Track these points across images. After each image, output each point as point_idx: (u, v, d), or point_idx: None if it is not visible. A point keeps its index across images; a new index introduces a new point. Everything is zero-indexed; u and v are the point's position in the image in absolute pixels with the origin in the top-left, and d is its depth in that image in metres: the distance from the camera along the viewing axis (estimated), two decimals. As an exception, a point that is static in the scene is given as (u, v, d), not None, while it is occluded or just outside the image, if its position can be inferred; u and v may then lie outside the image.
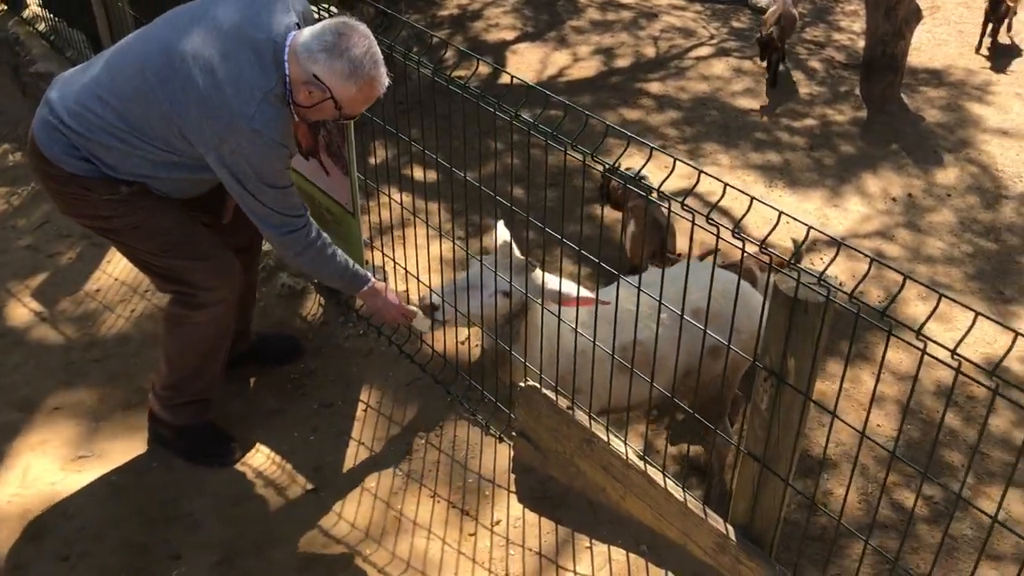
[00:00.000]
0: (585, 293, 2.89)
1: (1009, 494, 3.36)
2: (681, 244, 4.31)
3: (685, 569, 2.71)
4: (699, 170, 2.24)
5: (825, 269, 2.06)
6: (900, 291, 1.98)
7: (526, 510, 3.00)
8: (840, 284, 2.10)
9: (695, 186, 2.26)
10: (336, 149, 3.30)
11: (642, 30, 7.49)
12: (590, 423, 2.86)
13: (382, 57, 2.63)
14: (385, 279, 3.94)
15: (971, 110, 6.39)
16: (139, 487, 3.12)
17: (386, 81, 2.64)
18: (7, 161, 5.34)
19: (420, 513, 3.01)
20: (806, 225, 2.13)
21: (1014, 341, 1.82)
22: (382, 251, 3.66)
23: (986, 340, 4.07)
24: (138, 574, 2.84)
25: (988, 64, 7.03)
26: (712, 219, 2.10)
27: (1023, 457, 1.93)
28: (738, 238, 2.09)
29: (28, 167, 3.38)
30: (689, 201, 2.16)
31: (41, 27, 5.87)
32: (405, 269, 3.54)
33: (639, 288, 2.55)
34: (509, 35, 7.25)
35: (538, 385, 2.96)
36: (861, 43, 6.87)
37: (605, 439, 2.83)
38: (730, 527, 2.61)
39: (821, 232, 2.22)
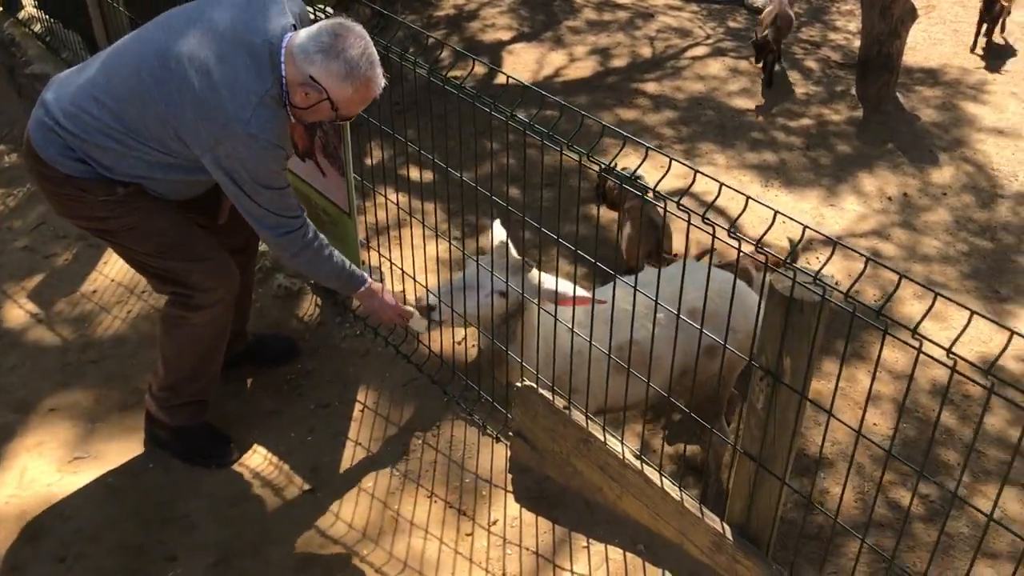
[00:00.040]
0: (581, 293, 2.89)
1: (1005, 492, 3.37)
2: (677, 244, 4.31)
3: (682, 568, 2.71)
4: (695, 170, 2.25)
5: (821, 268, 2.06)
6: (896, 290, 1.98)
7: (523, 510, 3.00)
8: (836, 283, 2.11)
9: (691, 186, 2.26)
10: (332, 150, 3.29)
11: (638, 30, 7.50)
12: (587, 423, 2.87)
13: (378, 58, 2.63)
14: (382, 279, 3.95)
15: (966, 109, 6.40)
16: (136, 488, 3.12)
17: (382, 82, 2.64)
18: (3, 163, 5.33)
19: (417, 513, 3.01)
20: (802, 224, 2.13)
21: (1009, 340, 1.82)
22: (379, 251, 3.67)
23: (982, 339, 4.08)
24: (134, 575, 2.83)
25: (983, 63, 7.04)
26: (708, 219, 2.10)
27: (1019, 455, 1.93)
28: (734, 238, 2.10)
29: (24, 168, 3.38)
30: (685, 201, 2.16)
31: (37, 28, 5.86)
32: (402, 269, 3.54)
33: (635, 288, 2.55)
34: (505, 35, 7.26)
35: (535, 385, 2.96)
36: (857, 42, 6.88)
37: (602, 439, 2.83)
38: (727, 526, 2.61)
39: (817, 231, 2.22)
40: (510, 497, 3.06)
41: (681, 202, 2.16)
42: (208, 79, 2.54)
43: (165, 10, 2.80)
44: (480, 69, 6.37)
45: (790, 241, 4.25)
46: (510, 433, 3.18)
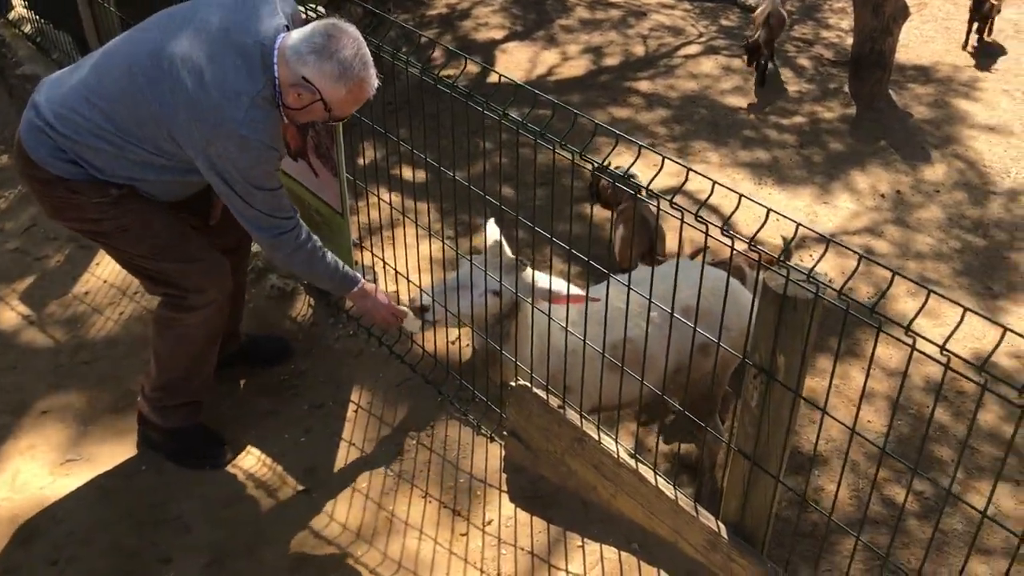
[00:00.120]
0: (575, 291, 2.89)
1: (998, 488, 3.38)
2: (671, 245, 4.31)
3: (677, 567, 2.71)
4: (688, 168, 2.24)
5: (814, 266, 2.06)
6: (889, 287, 1.98)
7: (518, 509, 3.00)
8: (830, 281, 2.11)
9: (683, 184, 2.26)
10: (325, 150, 3.29)
11: (631, 28, 7.50)
12: (581, 422, 2.86)
13: (371, 58, 2.62)
14: (375, 280, 3.94)
15: (958, 106, 6.41)
16: (129, 490, 3.11)
17: (376, 82, 2.64)
18: (-6, 164, 5.31)
19: (412, 513, 3.01)
20: (795, 222, 2.13)
21: (1002, 336, 1.82)
22: (371, 251, 3.66)
23: (975, 335, 4.08)
24: (128, 578, 2.83)
25: (974, 61, 7.06)
26: (701, 217, 2.10)
27: (1012, 452, 1.93)
28: (727, 236, 2.09)
29: (15, 170, 3.36)
30: (679, 199, 2.16)
31: (27, 29, 5.84)
32: (395, 269, 3.54)
33: (628, 287, 2.55)
34: (498, 34, 7.25)
35: (529, 384, 2.96)
36: (849, 40, 6.89)
37: (596, 438, 2.83)
38: (721, 525, 2.61)
39: (810, 229, 2.22)
40: (505, 497, 3.05)
41: (674, 200, 2.16)
42: (200, 80, 2.54)
43: (157, 11, 2.79)
44: (473, 68, 6.36)
45: (783, 239, 4.24)
46: (504, 433, 3.17)
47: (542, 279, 2.89)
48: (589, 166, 2.46)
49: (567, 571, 2.77)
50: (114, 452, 3.25)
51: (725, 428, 3.35)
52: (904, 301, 4.36)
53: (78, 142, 2.69)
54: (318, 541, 2.92)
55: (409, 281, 3.45)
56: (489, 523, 2.97)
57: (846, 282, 2.02)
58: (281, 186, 2.75)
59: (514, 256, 2.94)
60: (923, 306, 1.89)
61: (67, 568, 2.84)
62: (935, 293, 1.88)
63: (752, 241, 2.10)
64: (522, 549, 2.86)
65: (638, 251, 4.01)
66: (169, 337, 3.05)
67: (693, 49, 7.20)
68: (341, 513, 3.01)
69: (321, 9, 3.12)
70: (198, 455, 3.20)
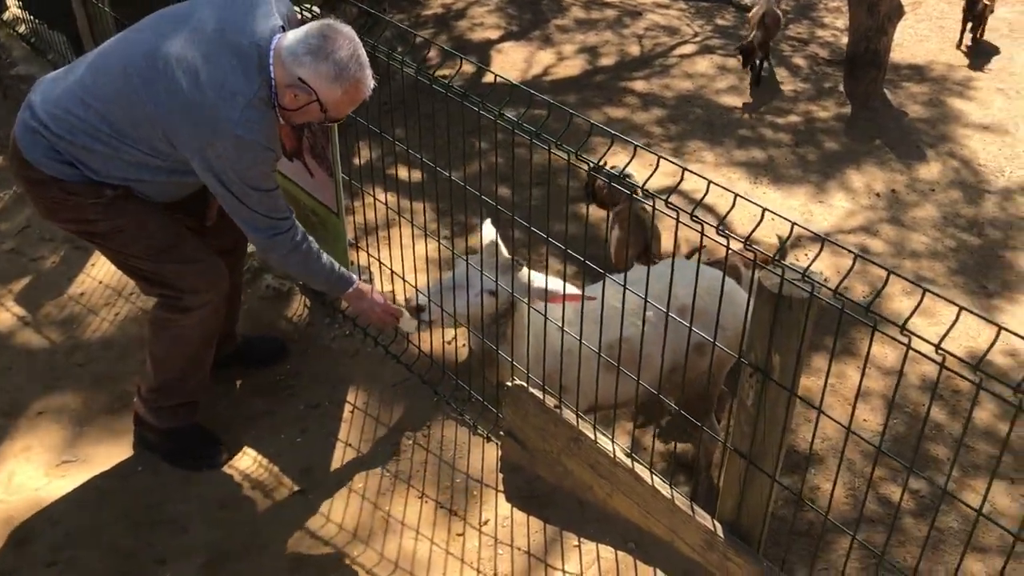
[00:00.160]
0: (571, 289, 2.89)
1: (994, 486, 3.39)
2: (666, 242, 4.31)
3: (673, 566, 2.71)
4: (683, 168, 2.25)
5: (809, 265, 2.06)
6: (884, 287, 1.99)
7: (514, 509, 3.00)
8: (825, 280, 2.11)
9: (679, 183, 2.26)
10: (320, 150, 3.28)
11: (626, 28, 7.50)
12: (577, 422, 2.86)
13: (368, 59, 2.62)
14: (371, 280, 3.94)
15: (953, 105, 6.42)
16: (125, 491, 3.10)
17: (372, 83, 2.64)
18: (-12, 165, 5.30)
19: (408, 514, 3.01)
20: (790, 222, 2.13)
21: (997, 335, 1.83)
22: (367, 251, 3.66)
23: (970, 334, 4.09)
24: (125, 579, 2.83)
25: (968, 60, 7.07)
26: (696, 216, 2.10)
27: (1007, 450, 1.94)
28: (722, 235, 2.10)
29: (9, 171, 3.35)
30: (675, 199, 2.16)
31: (22, 29, 5.83)
32: (391, 269, 3.54)
33: (624, 286, 2.55)
34: (493, 34, 7.25)
35: (525, 384, 2.96)
36: (844, 39, 6.90)
37: (592, 437, 2.83)
38: (718, 524, 2.61)
39: (805, 228, 2.23)
40: (501, 497, 3.05)
41: (670, 200, 2.16)
42: (196, 81, 2.53)
43: (152, 11, 2.79)
44: (468, 68, 6.36)
45: (779, 238, 4.25)
46: (501, 432, 3.17)
47: (538, 278, 2.90)
48: (585, 166, 2.47)
49: (563, 571, 2.78)
50: (110, 453, 3.24)
51: (721, 427, 3.35)
52: (900, 300, 4.37)
53: (73, 143, 2.69)
54: (315, 541, 2.92)
55: (405, 281, 3.45)
56: (485, 523, 2.97)
57: (841, 281, 2.02)
58: (277, 187, 2.75)
59: (510, 256, 2.94)
60: (918, 305, 1.90)
61: (64, 570, 2.83)
62: (930, 292, 1.88)
63: (747, 240, 2.10)
64: (518, 549, 2.86)
65: (634, 252, 4.01)
66: (165, 338, 3.04)
67: (688, 49, 7.20)
68: (337, 513, 3.01)
69: (316, 9, 3.12)
70: (194, 456, 3.20)
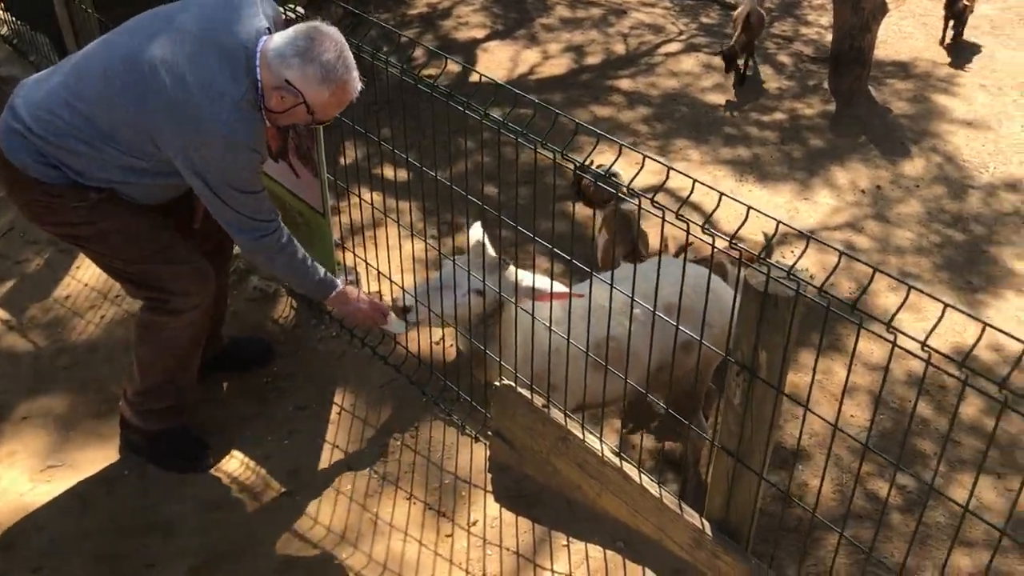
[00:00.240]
0: (559, 288, 2.89)
1: (981, 481, 3.40)
2: (653, 242, 4.32)
3: (662, 565, 2.72)
4: (668, 167, 2.25)
5: (795, 263, 2.07)
6: (869, 284, 1.99)
7: (503, 509, 3.00)
8: (811, 277, 2.12)
9: (664, 182, 2.26)
10: (305, 151, 3.27)
11: (612, 27, 7.50)
12: (565, 421, 2.86)
13: (354, 61, 2.62)
14: (357, 280, 3.93)
15: (937, 102, 6.45)
16: (111, 496, 3.09)
17: (359, 85, 2.64)
18: (-29, 167, 5.26)
19: (396, 515, 3.00)
20: (775, 220, 2.14)
21: (982, 332, 1.84)
22: (353, 252, 3.64)
23: (956, 329, 4.11)
24: (112, 584, 2.81)
25: (952, 57, 7.11)
26: (682, 215, 2.10)
27: (993, 444, 1.95)
28: (708, 234, 2.10)
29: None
30: (661, 197, 2.16)
31: (3, 31, 5.79)
32: (377, 270, 3.53)
33: (611, 285, 2.55)
34: (479, 33, 7.24)
35: (513, 384, 2.96)
36: (829, 37, 6.92)
37: (580, 436, 2.83)
38: (706, 522, 2.62)
39: (790, 227, 2.23)
40: (490, 497, 3.05)
41: (656, 199, 2.16)
42: (182, 83, 2.52)
43: (137, 13, 2.77)
44: (454, 67, 6.35)
45: (765, 236, 4.27)
46: (489, 432, 3.17)
47: (525, 277, 2.89)
48: (571, 165, 2.47)
49: (552, 571, 2.78)
50: (96, 457, 3.22)
51: (709, 425, 3.36)
52: (885, 296, 4.38)
53: (57, 145, 2.67)
54: (303, 544, 2.91)
55: (392, 282, 3.44)
56: (474, 524, 2.96)
57: (827, 279, 2.03)
58: (263, 189, 2.74)
59: (497, 255, 2.94)
60: (903, 302, 1.90)
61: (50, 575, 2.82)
62: (915, 289, 1.89)
63: (732, 239, 2.10)
64: (507, 549, 2.86)
65: (621, 253, 4.01)
66: (152, 341, 3.02)
67: (674, 47, 7.21)
68: (326, 515, 3.00)
69: (301, 9, 3.11)
70: (181, 459, 3.19)
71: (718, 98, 6.43)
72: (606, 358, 2.73)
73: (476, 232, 2.98)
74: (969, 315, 1.94)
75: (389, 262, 3.52)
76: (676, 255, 4.01)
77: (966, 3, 6.99)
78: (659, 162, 2.32)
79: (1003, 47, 7.31)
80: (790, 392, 2.29)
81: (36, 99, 2.72)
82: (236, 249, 3.51)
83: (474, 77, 6.23)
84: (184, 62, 2.54)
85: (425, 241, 3.22)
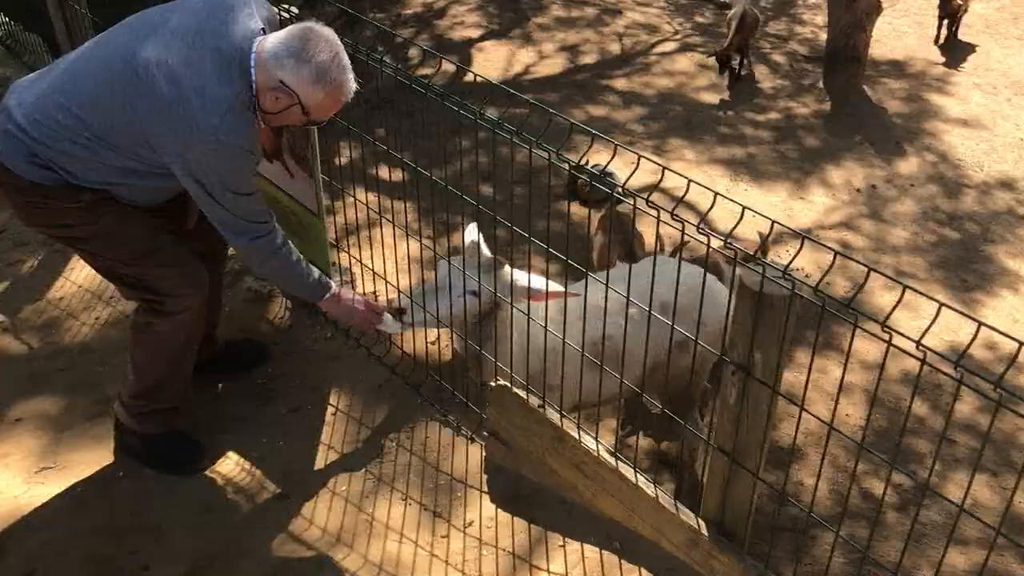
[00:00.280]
0: (554, 287, 2.88)
1: (976, 479, 3.40)
2: (648, 242, 4.31)
3: (658, 565, 2.72)
4: (663, 166, 2.25)
5: (790, 263, 2.06)
6: (864, 284, 1.99)
7: (499, 510, 2.99)
8: (806, 276, 2.11)
9: (659, 182, 2.26)
10: (299, 151, 3.27)
11: (606, 27, 7.50)
12: (561, 421, 2.86)
13: (349, 62, 2.61)
14: (352, 281, 3.92)
15: (931, 101, 6.46)
16: (105, 498, 3.07)
17: (353, 86, 2.63)
18: (-36, 169, 5.24)
19: (392, 516, 2.99)
20: (770, 219, 2.14)
21: (977, 331, 1.83)
22: (348, 252, 3.64)
23: (951, 328, 4.12)
24: (106, 586, 2.80)
25: (946, 56, 7.12)
26: (677, 215, 2.10)
27: (988, 443, 1.95)
28: (703, 233, 2.10)
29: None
30: (657, 197, 2.16)
31: (-4, 31, 5.77)
32: (372, 270, 3.52)
33: (607, 284, 2.55)
34: (474, 33, 7.24)
35: (509, 384, 2.95)
36: (823, 36, 6.92)
37: (576, 436, 2.82)
38: (702, 522, 2.62)
39: (785, 226, 2.23)
40: (485, 498, 3.05)
41: (652, 199, 2.16)
42: (177, 85, 2.51)
43: (131, 13, 2.76)
44: (450, 66, 6.34)
45: (760, 235, 4.26)
46: (485, 433, 3.16)
47: (521, 277, 2.89)
48: (566, 165, 2.46)
49: (548, 571, 2.77)
50: (90, 459, 3.21)
51: (705, 424, 3.35)
52: (880, 295, 4.39)
53: (52, 147, 2.66)
54: (297, 546, 2.90)
55: (387, 282, 3.44)
56: (470, 524, 2.96)
57: (822, 279, 2.03)
58: (257, 191, 2.74)
59: (492, 255, 2.93)
60: (898, 303, 1.90)
61: (43, 578, 2.81)
62: (910, 288, 1.89)
63: (727, 238, 2.10)
64: (503, 550, 2.85)
65: (616, 254, 4.01)
66: (146, 343, 3.02)
67: (668, 46, 7.21)
68: (321, 517, 3.00)
69: (295, 9, 3.10)
70: (176, 461, 3.18)
71: (713, 98, 6.43)
72: (601, 358, 2.73)
73: (472, 233, 2.97)
74: (964, 314, 1.94)
75: (384, 262, 3.51)
76: (672, 255, 4.01)
77: (960, 2, 7.00)
78: (654, 162, 2.32)
79: (998, 46, 7.33)
80: (785, 391, 2.29)
81: (29, 100, 2.70)
82: (231, 250, 3.51)
83: (469, 77, 6.23)
84: (178, 63, 2.53)
85: (420, 241, 3.22)
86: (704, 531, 2.59)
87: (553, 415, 2.88)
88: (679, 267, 2.42)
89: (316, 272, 2.91)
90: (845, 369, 2.20)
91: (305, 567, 2.84)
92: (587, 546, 2.82)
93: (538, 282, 2.89)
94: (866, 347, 4.06)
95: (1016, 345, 1.74)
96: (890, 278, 1.99)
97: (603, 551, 2.79)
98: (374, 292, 3.79)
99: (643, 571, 2.73)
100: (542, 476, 3.02)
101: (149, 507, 3.04)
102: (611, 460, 2.77)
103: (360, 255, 3.59)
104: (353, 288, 3.95)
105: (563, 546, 2.84)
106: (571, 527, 2.89)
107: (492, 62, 6.79)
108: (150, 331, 2.98)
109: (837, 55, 6.37)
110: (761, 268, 2.11)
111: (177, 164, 2.60)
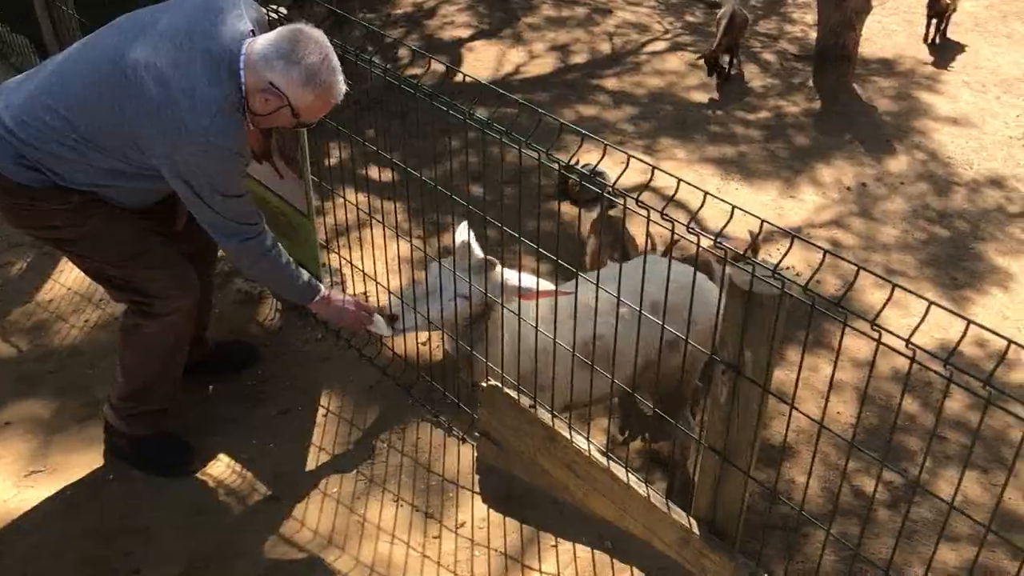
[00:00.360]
0: (545, 285, 2.88)
1: (966, 476, 3.41)
2: (640, 244, 4.31)
3: (650, 564, 2.72)
4: (653, 166, 2.25)
5: (779, 262, 2.07)
6: (853, 283, 2.00)
7: (491, 510, 2.99)
8: (796, 275, 2.12)
9: (649, 181, 2.26)
10: (289, 152, 3.26)
11: (597, 26, 7.50)
12: (552, 421, 2.86)
13: (339, 64, 2.60)
14: (343, 282, 3.91)
15: (921, 99, 6.48)
16: (96, 501, 3.06)
17: (343, 88, 2.62)
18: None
19: (383, 517, 2.99)
20: (759, 219, 2.14)
21: (966, 329, 1.84)
22: (339, 253, 3.63)
23: (941, 325, 4.13)
24: (96, 590, 2.79)
25: (935, 54, 7.14)
26: (666, 215, 2.10)
27: (978, 440, 1.95)
28: (693, 233, 2.10)
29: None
30: (648, 197, 2.16)
31: (-17, 33, 5.74)
32: (363, 271, 3.51)
33: (597, 284, 2.55)
34: (464, 32, 7.23)
35: (500, 384, 2.95)
36: (813, 35, 6.94)
37: (568, 436, 2.82)
38: (693, 521, 2.62)
39: (774, 225, 2.24)
40: (477, 498, 3.04)
41: (641, 198, 2.16)
42: (166, 87, 2.50)
43: (118, 14, 2.75)
44: (440, 66, 6.34)
45: (751, 234, 4.27)
46: (476, 433, 3.16)
47: (512, 276, 2.88)
48: (556, 165, 2.46)
49: (540, 571, 2.77)
50: (81, 462, 3.20)
51: (696, 422, 3.35)
52: (871, 292, 4.40)
53: (40, 149, 2.65)
54: (289, 548, 2.90)
55: (377, 283, 3.43)
56: (462, 525, 2.96)
57: (811, 277, 2.03)
58: (247, 192, 2.73)
59: (483, 255, 2.92)
60: (888, 301, 1.90)
61: (34, 581, 2.80)
62: (899, 287, 1.89)
63: (717, 237, 2.10)
64: (495, 550, 2.85)
65: (609, 257, 4.01)
66: (135, 345, 3.00)
67: (659, 46, 7.22)
68: (312, 519, 2.99)
69: (283, 10, 3.09)
70: (166, 463, 3.17)
71: (703, 97, 6.44)
72: (592, 357, 2.72)
73: (463, 233, 2.96)
74: (953, 312, 1.94)
75: (375, 263, 3.51)
76: (664, 254, 4.01)
77: (948, 1, 7.02)
78: (644, 161, 2.32)
79: (987, 44, 7.35)
80: (776, 390, 2.29)
81: (17, 102, 2.69)
82: (220, 252, 3.50)
83: (458, 77, 6.22)
84: (167, 65, 2.52)
85: (410, 242, 3.21)
86: (695, 530, 2.59)
87: (544, 415, 2.88)
88: (669, 266, 2.42)
89: (305, 274, 2.90)
90: (835, 367, 2.20)
91: (297, 569, 2.83)
92: (579, 546, 2.82)
93: (529, 281, 2.88)
94: (857, 345, 4.07)
95: (1005, 343, 1.75)
96: (880, 276, 1.99)
97: (595, 551, 2.79)
98: (364, 293, 3.78)
99: (635, 570, 2.73)
100: (534, 476, 3.02)
101: (140, 509, 3.03)
102: (602, 460, 2.77)
103: (350, 256, 3.59)
104: (343, 289, 3.94)
105: (555, 546, 2.84)
106: (563, 527, 2.89)
107: (482, 62, 6.79)
108: (139, 333, 2.97)
109: (827, 54, 6.38)
110: (751, 267, 2.12)
111: (166, 166, 2.59)
